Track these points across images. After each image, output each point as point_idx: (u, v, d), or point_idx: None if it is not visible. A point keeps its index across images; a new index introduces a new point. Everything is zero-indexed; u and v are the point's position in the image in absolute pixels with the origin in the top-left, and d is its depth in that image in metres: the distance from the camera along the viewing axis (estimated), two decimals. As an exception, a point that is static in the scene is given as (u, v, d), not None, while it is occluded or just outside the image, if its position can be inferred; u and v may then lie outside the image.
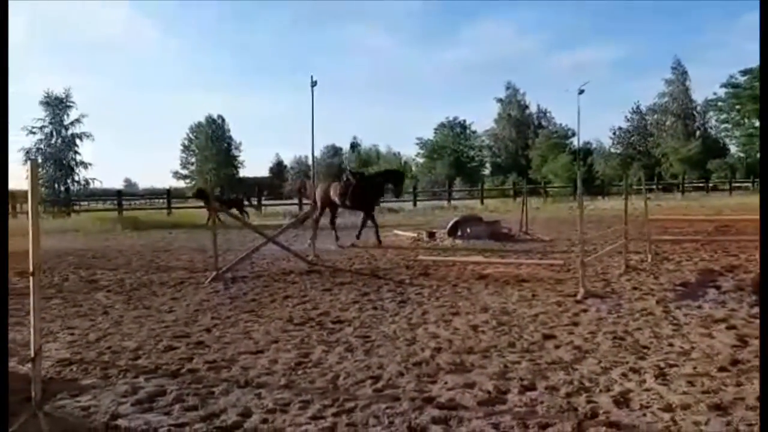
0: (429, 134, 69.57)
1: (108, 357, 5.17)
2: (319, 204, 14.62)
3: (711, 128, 64.06)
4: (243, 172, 72.23)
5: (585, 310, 6.52)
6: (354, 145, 77.31)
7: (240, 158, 72.28)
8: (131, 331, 6.07)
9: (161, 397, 4.11)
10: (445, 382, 4.27)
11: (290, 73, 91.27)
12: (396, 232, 17.09)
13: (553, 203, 34.43)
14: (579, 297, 7.16)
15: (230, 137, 71.19)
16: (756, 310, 6.19)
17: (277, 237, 11.28)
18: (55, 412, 3.73)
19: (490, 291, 7.83)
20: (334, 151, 77.89)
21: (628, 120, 66.82)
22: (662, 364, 4.53)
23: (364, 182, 14.58)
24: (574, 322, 6.00)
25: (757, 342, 5.04)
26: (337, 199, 14.55)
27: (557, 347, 5.14)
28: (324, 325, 6.14)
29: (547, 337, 5.48)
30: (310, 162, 45.88)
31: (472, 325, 5.96)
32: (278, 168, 77.78)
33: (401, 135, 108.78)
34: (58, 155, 30.29)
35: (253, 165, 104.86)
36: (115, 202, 29.76)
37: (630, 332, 5.53)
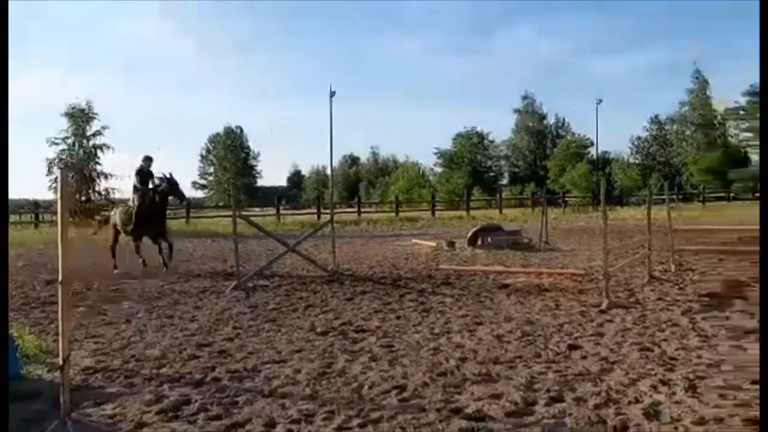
0: (447, 144, 69.45)
1: (132, 365, 5.19)
2: None
3: (732, 137, 63.25)
4: (261, 182, 72.73)
5: (610, 321, 6.44)
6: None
7: (258, 168, 72.82)
8: (154, 340, 6.09)
9: (186, 406, 4.11)
10: (472, 393, 4.23)
11: (309, 83, 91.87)
12: (415, 241, 17.05)
13: (572, 213, 34.20)
14: (603, 307, 7.07)
15: (248, 147, 71.74)
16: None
17: (296, 246, 11.29)
18: (83, 419, 3.74)
19: (513, 301, 7.77)
20: (352, 160, 78.10)
21: (647, 130, 66.26)
22: (692, 376, 4.44)
23: None
24: (600, 333, 5.93)
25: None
26: None
27: (584, 358, 5.07)
28: (347, 335, 6.12)
29: (573, 347, 5.42)
30: (328, 172, 46.15)
31: (496, 335, 5.91)
32: (297, 177, 78.15)
33: (420, 144, 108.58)
34: (80, 166, 30.65)
35: (272, 175, 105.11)
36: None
37: (657, 343, 5.45)
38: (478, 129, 69.22)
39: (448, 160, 67.99)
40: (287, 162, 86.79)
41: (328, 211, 17.73)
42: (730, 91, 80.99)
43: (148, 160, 12.47)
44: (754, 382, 4.24)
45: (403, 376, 4.66)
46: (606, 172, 56.47)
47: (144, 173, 12.24)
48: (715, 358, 4.92)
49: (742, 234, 15.61)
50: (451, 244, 14.95)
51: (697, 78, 62.64)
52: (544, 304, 7.49)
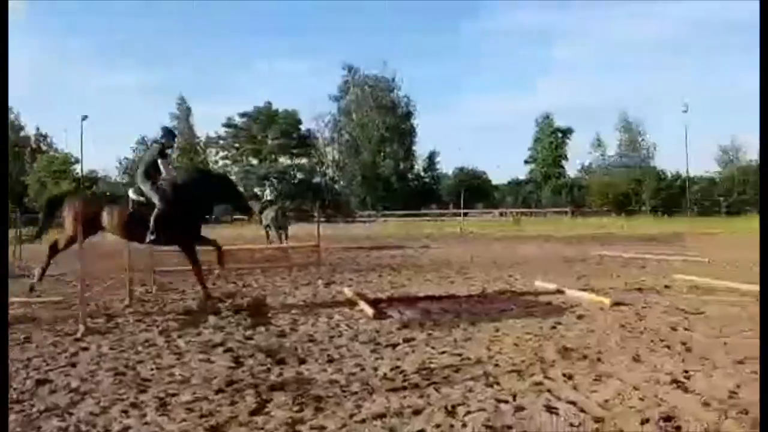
0: None
1: None
2: None
3: (212, 163, 69.11)
4: None
5: (85, 348, 6.12)
6: None
7: None
8: None
9: None
10: None
11: None
12: None
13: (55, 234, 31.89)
14: (79, 335, 6.69)
15: None
16: (251, 332, 6.82)
17: None
18: None
19: (-29, 338, 6.69)
20: None
21: (134, 150, 67.08)
22: (163, 395, 4.55)
23: None
24: (72, 363, 5.57)
25: (250, 361, 5.53)
26: None
27: (52, 392, 4.67)
28: None
29: (41, 382, 4.94)
30: None
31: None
32: None
33: None
34: None
35: None
36: None
37: (132, 366, 5.42)
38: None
39: None
40: None
41: None
42: (213, 120, 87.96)
43: (170, 135, 9.17)
44: (218, 392, 4.60)
45: None
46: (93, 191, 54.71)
47: (166, 157, 8.64)
48: (187, 373, 5.16)
49: (227, 252, 17.04)
50: None
51: (181, 104, 66.50)
52: (12, 338, 6.65)
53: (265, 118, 66.93)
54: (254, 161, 67.95)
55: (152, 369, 5.31)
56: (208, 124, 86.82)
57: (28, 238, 9.31)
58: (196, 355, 5.79)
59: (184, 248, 8.85)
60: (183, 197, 8.46)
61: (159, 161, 8.56)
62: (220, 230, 37.17)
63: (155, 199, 8.34)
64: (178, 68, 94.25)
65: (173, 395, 4.55)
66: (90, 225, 8.24)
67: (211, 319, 7.66)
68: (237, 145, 68.22)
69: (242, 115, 67.91)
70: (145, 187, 8.44)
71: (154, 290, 10.15)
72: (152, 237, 8.37)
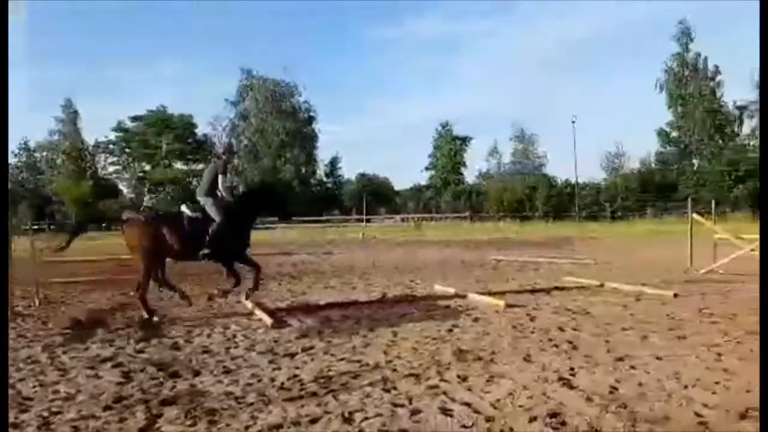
0: None
1: None
2: None
3: (102, 169, 66.01)
4: None
5: (-42, 368, 5.69)
6: None
7: None
8: None
9: None
10: None
11: None
12: None
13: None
14: (-49, 353, 6.21)
15: None
16: (142, 345, 6.55)
17: None
18: None
19: None
20: None
21: (15, 156, 63.00)
22: (46, 413, 4.30)
23: None
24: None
25: (141, 376, 5.32)
26: None
27: None
28: None
29: None
30: None
31: None
32: None
33: None
34: None
35: None
36: None
37: (12, 384, 5.06)
38: None
39: None
40: None
41: None
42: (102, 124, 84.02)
43: (231, 151, 10.11)
44: (106, 408, 4.39)
45: None
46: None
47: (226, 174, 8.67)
48: (72, 390, 4.90)
49: (119, 263, 16.25)
50: None
51: (67, 107, 63.12)
52: None
53: (159, 122, 64.54)
54: (147, 167, 65.38)
55: (34, 387, 5.00)
56: (97, 128, 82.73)
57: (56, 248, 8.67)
58: (83, 371, 5.50)
59: (240, 260, 8.71)
60: (239, 212, 8.41)
61: (219, 177, 8.38)
62: (113, 239, 35.50)
63: (216, 215, 8.18)
64: (63, 69, 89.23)
65: (57, 413, 4.31)
66: (160, 247, 8.03)
67: (100, 332, 7.31)
68: (128, 150, 65.44)
69: (134, 119, 65.22)
70: (207, 203, 8.28)
71: (38, 303, 9.56)
72: (207, 251, 8.17)
